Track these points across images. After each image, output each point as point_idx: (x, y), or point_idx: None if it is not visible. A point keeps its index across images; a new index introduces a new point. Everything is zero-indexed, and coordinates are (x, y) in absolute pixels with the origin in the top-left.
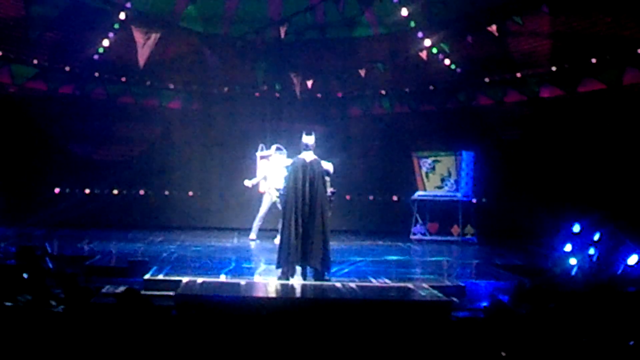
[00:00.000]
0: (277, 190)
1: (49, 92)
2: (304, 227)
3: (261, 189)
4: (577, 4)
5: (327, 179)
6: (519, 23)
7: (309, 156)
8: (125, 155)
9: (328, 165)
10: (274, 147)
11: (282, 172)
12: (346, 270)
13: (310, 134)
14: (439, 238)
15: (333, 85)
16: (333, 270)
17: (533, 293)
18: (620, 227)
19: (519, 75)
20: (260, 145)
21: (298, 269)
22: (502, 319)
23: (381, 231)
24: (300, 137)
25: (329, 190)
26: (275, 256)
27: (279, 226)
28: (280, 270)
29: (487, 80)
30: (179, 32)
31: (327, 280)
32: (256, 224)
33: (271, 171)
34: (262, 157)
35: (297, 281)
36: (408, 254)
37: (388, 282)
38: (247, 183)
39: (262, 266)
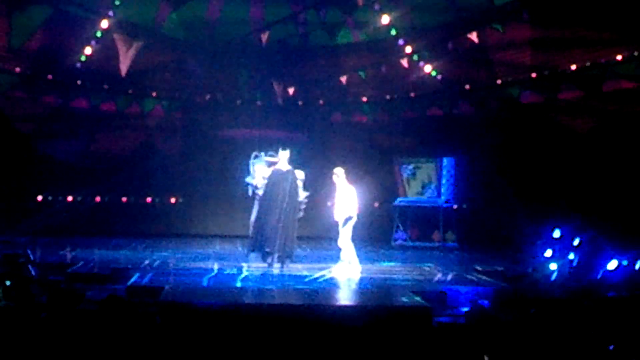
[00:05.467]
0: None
1: (31, 100)
2: (280, 224)
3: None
4: (557, 11)
5: (300, 184)
6: (499, 30)
7: (284, 166)
8: (107, 163)
9: (300, 174)
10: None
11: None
12: (328, 276)
13: (285, 149)
14: (420, 244)
15: (315, 92)
16: (315, 276)
17: (514, 298)
18: (600, 233)
19: (499, 82)
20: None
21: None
22: (484, 324)
23: (362, 237)
24: (280, 145)
25: (304, 195)
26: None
27: (250, 229)
28: (256, 252)
29: (467, 87)
30: (161, 40)
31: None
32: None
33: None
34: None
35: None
36: (389, 260)
37: (370, 288)
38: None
39: (245, 272)
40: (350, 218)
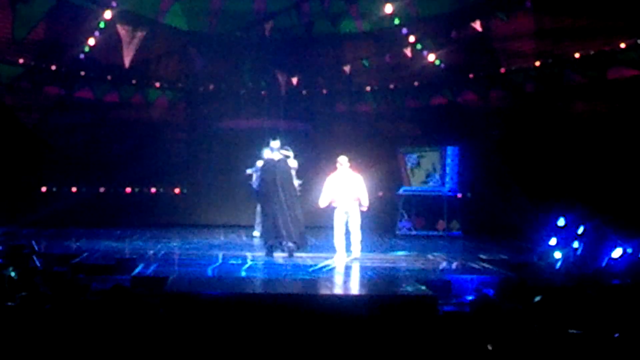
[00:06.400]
0: (251, 184)
1: (35, 91)
2: (283, 212)
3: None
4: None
5: (294, 173)
6: (502, 18)
7: (276, 156)
8: (111, 154)
9: (293, 163)
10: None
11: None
12: (332, 266)
13: (276, 139)
14: (425, 233)
15: (318, 82)
16: (319, 266)
17: (518, 287)
18: (605, 221)
19: (503, 70)
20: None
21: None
22: (488, 313)
23: (367, 226)
24: (282, 134)
25: (296, 183)
26: (261, 247)
27: (256, 220)
28: (269, 246)
29: (471, 76)
30: (164, 31)
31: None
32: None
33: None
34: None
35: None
36: (394, 249)
37: (374, 277)
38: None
39: (249, 262)
40: (335, 208)
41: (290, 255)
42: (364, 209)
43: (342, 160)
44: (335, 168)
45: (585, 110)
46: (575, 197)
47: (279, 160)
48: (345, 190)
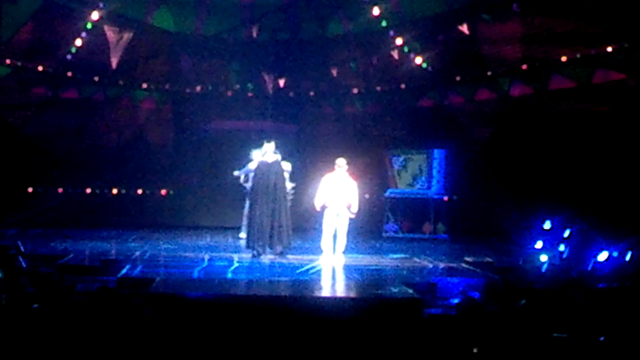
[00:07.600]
0: (244, 186)
1: (21, 91)
2: (272, 216)
3: None
4: (547, 3)
5: (287, 176)
6: (488, 21)
7: (270, 158)
8: (98, 155)
9: (287, 165)
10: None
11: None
12: (319, 268)
13: (270, 141)
14: (411, 235)
15: (305, 84)
16: (305, 268)
17: (504, 290)
18: (591, 224)
19: (489, 73)
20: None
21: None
22: (474, 315)
23: (353, 229)
24: (270, 136)
25: (290, 185)
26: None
27: (243, 222)
28: (251, 249)
29: (458, 78)
30: (151, 32)
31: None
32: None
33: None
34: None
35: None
36: (380, 252)
37: (360, 279)
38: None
39: (235, 264)
40: (325, 207)
41: (281, 257)
42: (353, 216)
43: (341, 163)
44: (330, 169)
45: (572, 113)
46: (561, 200)
47: (272, 163)
48: (339, 193)
